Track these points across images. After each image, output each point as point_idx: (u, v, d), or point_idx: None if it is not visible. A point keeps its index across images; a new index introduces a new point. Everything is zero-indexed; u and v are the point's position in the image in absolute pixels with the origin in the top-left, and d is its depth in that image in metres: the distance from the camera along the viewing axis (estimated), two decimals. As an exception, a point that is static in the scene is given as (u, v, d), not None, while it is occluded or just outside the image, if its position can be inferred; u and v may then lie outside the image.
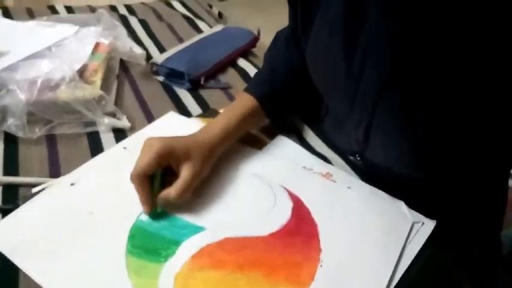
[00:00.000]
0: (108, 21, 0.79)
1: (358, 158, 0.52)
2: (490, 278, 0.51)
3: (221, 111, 0.59)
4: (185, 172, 0.47)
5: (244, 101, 0.57)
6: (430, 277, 0.45)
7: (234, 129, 0.54)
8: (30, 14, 0.99)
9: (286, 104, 0.61)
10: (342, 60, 0.45)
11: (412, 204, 0.49)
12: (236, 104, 0.57)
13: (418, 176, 0.49)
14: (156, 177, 0.48)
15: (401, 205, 0.50)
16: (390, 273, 0.43)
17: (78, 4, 1.09)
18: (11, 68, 0.63)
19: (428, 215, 0.48)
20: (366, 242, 0.46)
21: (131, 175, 0.46)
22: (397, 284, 0.42)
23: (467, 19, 0.36)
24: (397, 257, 0.44)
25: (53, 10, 1.03)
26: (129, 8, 1.07)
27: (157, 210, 0.48)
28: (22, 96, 0.57)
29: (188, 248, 0.45)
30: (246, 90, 0.59)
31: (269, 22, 1.03)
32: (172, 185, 0.47)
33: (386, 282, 0.42)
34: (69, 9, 1.04)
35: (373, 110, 0.45)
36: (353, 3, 0.43)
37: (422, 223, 0.48)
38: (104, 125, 0.61)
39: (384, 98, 0.43)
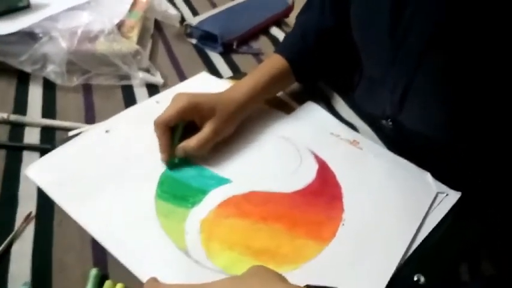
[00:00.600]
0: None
1: (390, 123, 0.52)
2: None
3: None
4: (207, 127, 0.49)
5: (274, 62, 0.57)
6: (450, 247, 0.45)
7: (262, 89, 0.54)
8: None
9: (317, 68, 0.61)
10: (388, 19, 0.45)
11: (437, 174, 0.49)
12: (265, 65, 0.58)
13: (448, 141, 0.48)
14: (177, 129, 0.50)
15: (427, 175, 0.50)
16: (410, 239, 0.43)
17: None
18: (52, 18, 0.65)
19: (453, 185, 0.48)
20: (388, 207, 0.47)
21: (154, 123, 0.48)
22: (415, 249, 0.43)
23: None
24: (418, 225, 0.45)
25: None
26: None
27: (174, 161, 0.49)
28: (64, 45, 0.58)
29: (215, 197, 0.46)
30: (276, 51, 0.59)
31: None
32: (192, 137, 0.49)
33: (405, 247, 0.42)
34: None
35: (414, 71, 0.45)
36: None
37: (447, 194, 0.48)
38: (139, 79, 0.63)
39: (426, 60, 0.43)
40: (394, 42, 0.46)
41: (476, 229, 0.46)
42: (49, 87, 0.61)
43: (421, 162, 0.51)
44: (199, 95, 0.50)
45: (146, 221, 0.43)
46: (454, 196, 0.48)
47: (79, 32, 0.61)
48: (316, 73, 0.62)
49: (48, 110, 0.58)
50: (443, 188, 0.49)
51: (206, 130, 0.49)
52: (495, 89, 0.40)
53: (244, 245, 0.42)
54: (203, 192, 0.47)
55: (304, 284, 0.32)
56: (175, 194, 0.46)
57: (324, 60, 0.60)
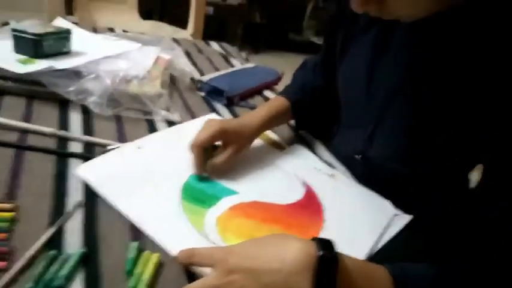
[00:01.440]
0: (167, 43, 0.99)
1: (360, 157, 0.69)
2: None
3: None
4: (231, 148, 0.64)
5: (280, 101, 0.76)
6: (401, 254, 0.59)
7: (270, 120, 0.71)
8: (94, 31, 1.19)
9: (309, 113, 0.78)
10: (363, 82, 0.64)
11: (395, 202, 0.65)
12: (273, 102, 0.76)
13: (405, 172, 0.64)
14: (208, 149, 0.64)
15: (387, 202, 0.65)
16: (370, 246, 0.56)
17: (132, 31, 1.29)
18: (94, 62, 0.81)
19: (407, 210, 0.64)
20: (356, 221, 0.61)
21: (191, 145, 0.62)
22: (376, 252, 0.56)
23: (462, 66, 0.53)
24: (378, 235, 0.58)
25: (112, 31, 1.23)
26: (175, 40, 1.27)
27: (203, 175, 0.63)
28: (108, 82, 0.73)
29: (227, 202, 0.59)
30: (281, 94, 0.78)
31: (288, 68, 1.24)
32: (218, 156, 0.63)
33: (368, 249, 0.56)
34: (125, 32, 1.24)
35: (380, 115, 0.62)
36: (375, 49, 0.62)
37: (401, 216, 0.63)
38: (161, 115, 0.78)
39: (389, 107, 0.61)
40: (367, 96, 0.64)
41: (423, 245, 0.60)
42: (86, 114, 0.74)
43: (383, 192, 0.67)
44: (226, 122, 0.66)
45: (174, 212, 0.55)
46: (406, 218, 0.63)
47: (120, 74, 0.76)
48: (308, 115, 0.80)
49: (87, 130, 0.70)
50: (399, 212, 0.64)
51: (230, 150, 0.63)
52: (444, 127, 0.56)
53: (251, 236, 0.54)
54: (217, 198, 0.60)
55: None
56: (196, 197, 0.59)
57: (316, 108, 0.78)
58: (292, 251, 0.41)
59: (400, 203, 0.64)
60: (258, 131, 0.69)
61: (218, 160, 0.63)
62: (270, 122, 0.72)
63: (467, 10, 0.50)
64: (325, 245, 0.41)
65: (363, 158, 0.68)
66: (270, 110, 0.72)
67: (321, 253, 0.39)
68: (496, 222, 0.48)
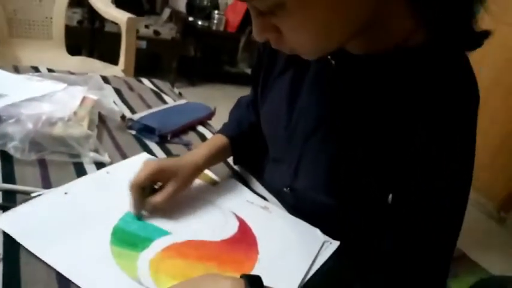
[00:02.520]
0: (95, 82, 0.97)
1: (288, 189, 0.72)
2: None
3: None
4: (169, 186, 0.64)
5: (219, 139, 0.78)
6: (332, 280, 0.62)
7: (211, 158, 0.73)
8: (16, 70, 1.14)
9: (247, 147, 0.82)
10: (284, 120, 0.68)
11: (323, 229, 0.68)
12: (212, 140, 0.78)
13: (329, 203, 0.68)
14: (146, 188, 0.64)
15: (317, 230, 0.69)
16: (304, 273, 0.59)
17: (59, 69, 1.25)
18: (15, 105, 0.77)
19: (335, 237, 0.67)
20: (289, 251, 0.63)
21: (130, 185, 0.62)
22: (308, 279, 0.59)
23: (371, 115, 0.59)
24: (310, 263, 0.61)
25: (36, 70, 1.19)
26: (104, 78, 1.25)
27: (142, 213, 0.63)
28: (30, 126, 0.70)
29: (159, 243, 0.59)
30: (219, 132, 0.81)
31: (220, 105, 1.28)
32: (157, 194, 0.63)
33: (300, 278, 0.58)
34: (51, 71, 1.20)
35: (301, 150, 0.66)
36: (292, 89, 0.67)
37: (330, 242, 0.67)
38: (89, 157, 0.76)
39: (309, 142, 0.65)
40: (287, 132, 0.68)
41: (351, 268, 0.64)
42: (6, 160, 0.70)
43: (312, 221, 0.70)
44: (164, 161, 0.66)
45: (104, 259, 0.53)
46: (335, 244, 0.67)
47: (43, 117, 0.73)
48: (246, 150, 0.83)
49: (8, 177, 0.66)
50: (328, 238, 0.68)
51: (169, 188, 0.64)
52: (360, 158, 0.61)
53: (185, 276, 0.54)
54: (149, 240, 0.59)
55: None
56: (127, 241, 0.58)
57: (251, 143, 0.81)
58: None
59: (328, 231, 0.68)
60: (198, 169, 0.70)
61: (156, 198, 0.63)
62: (211, 160, 0.73)
63: (369, 57, 0.55)
64: (254, 282, 0.42)
65: (291, 190, 0.72)
66: (209, 148, 0.74)
67: (248, 289, 0.41)
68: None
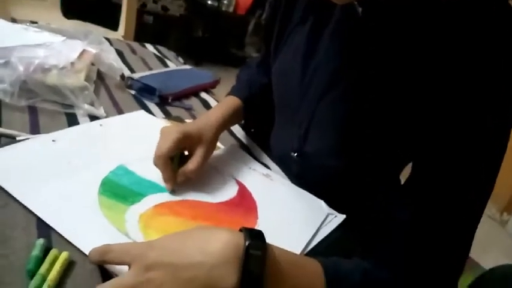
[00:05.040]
0: (96, 38, 0.92)
1: (295, 154, 0.67)
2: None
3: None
4: (198, 152, 0.59)
5: (232, 100, 0.73)
6: (336, 251, 0.57)
7: (228, 119, 0.68)
8: (14, 21, 1.08)
9: (259, 109, 0.78)
10: (298, 76, 0.63)
11: (328, 200, 0.64)
12: (226, 101, 0.73)
13: (339, 169, 0.63)
14: (175, 159, 0.58)
15: (321, 202, 0.64)
16: (304, 244, 0.54)
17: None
18: (7, 49, 0.72)
19: (339, 208, 0.63)
20: (290, 221, 0.59)
21: (155, 158, 0.56)
22: (308, 251, 0.54)
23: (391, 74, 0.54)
24: (311, 235, 0.57)
25: (34, 23, 1.13)
26: (107, 39, 1.20)
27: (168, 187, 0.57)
28: (21, 69, 0.65)
29: (152, 199, 0.54)
30: (230, 93, 0.76)
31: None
32: (189, 162, 0.58)
33: (301, 248, 0.54)
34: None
35: (315, 109, 0.61)
36: (310, 41, 0.62)
37: (335, 216, 0.62)
38: (83, 109, 0.71)
39: (323, 99, 0.60)
40: (301, 91, 0.63)
41: (355, 239, 0.60)
42: (-6, 105, 0.65)
43: (316, 192, 0.65)
44: (185, 126, 0.61)
45: (90, 209, 0.49)
46: (340, 217, 0.62)
47: (36, 62, 0.68)
48: (257, 114, 0.78)
49: (-7, 122, 0.62)
50: (332, 211, 0.63)
51: (199, 154, 0.58)
52: (376, 120, 0.56)
53: (176, 234, 0.49)
54: (141, 195, 0.54)
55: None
56: (117, 193, 0.53)
57: (263, 107, 0.77)
58: (216, 243, 0.37)
59: (334, 203, 0.64)
60: (220, 128, 0.66)
61: (189, 167, 0.57)
62: (227, 122, 0.69)
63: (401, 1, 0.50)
64: (254, 235, 0.38)
65: (299, 155, 0.67)
66: (226, 110, 0.69)
67: (247, 242, 0.36)
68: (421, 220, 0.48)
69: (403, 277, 0.47)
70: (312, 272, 0.41)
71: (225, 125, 0.68)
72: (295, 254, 0.44)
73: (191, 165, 0.57)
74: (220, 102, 0.74)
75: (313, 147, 0.64)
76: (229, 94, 0.77)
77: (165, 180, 0.56)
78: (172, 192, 0.56)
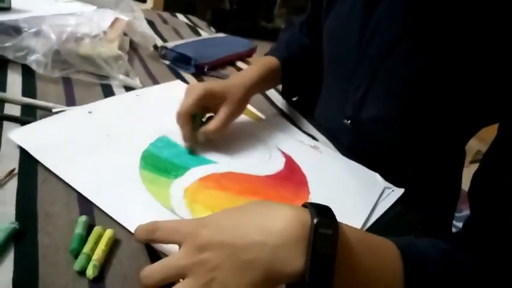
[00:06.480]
0: (127, 5, 0.87)
1: (349, 122, 0.61)
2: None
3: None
4: (222, 111, 0.54)
5: (268, 60, 0.67)
6: (396, 228, 0.52)
7: (262, 80, 0.62)
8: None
9: (298, 72, 0.71)
10: (357, 30, 0.56)
11: (383, 175, 0.58)
12: (261, 61, 0.67)
13: (395, 140, 0.57)
14: (196, 117, 0.54)
15: (376, 175, 0.59)
16: (363, 222, 0.50)
17: None
18: (39, 18, 0.69)
19: (396, 184, 0.57)
20: (345, 196, 0.54)
21: (177, 113, 0.52)
22: (367, 229, 0.49)
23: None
24: (369, 211, 0.51)
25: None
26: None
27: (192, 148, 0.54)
28: (53, 37, 0.62)
29: (196, 172, 0.50)
30: (268, 54, 0.69)
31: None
32: (210, 122, 0.54)
33: (360, 225, 0.49)
34: None
35: (375, 73, 0.55)
36: None
37: (393, 190, 0.57)
38: (118, 80, 0.67)
39: (385, 63, 0.53)
40: (360, 49, 0.56)
41: (414, 216, 0.54)
42: (28, 75, 0.63)
43: (369, 165, 0.60)
44: (211, 84, 0.56)
45: (132, 183, 0.45)
46: (398, 191, 0.56)
47: (68, 29, 0.65)
48: (296, 78, 0.72)
49: (28, 93, 0.59)
50: (389, 185, 0.57)
51: (222, 114, 0.54)
52: (449, 84, 0.50)
53: (224, 209, 0.45)
54: (184, 168, 0.50)
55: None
56: (159, 167, 0.49)
57: (303, 71, 0.70)
58: (279, 220, 0.33)
59: (389, 177, 0.58)
60: (252, 88, 0.60)
61: (209, 126, 0.53)
62: (260, 83, 0.63)
63: None
64: (322, 212, 0.33)
65: (353, 122, 0.61)
66: (258, 70, 0.63)
67: (316, 220, 0.31)
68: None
69: (486, 259, 0.41)
70: (387, 255, 0.36)
71: (259, 85, 0.62)
72: (366, 233, 0.39)
73: (212, 125, 0.54)
74: (256, 62, 0.68)
75: (371, 113, 0.58)
76: (268, 54, 0.71)
77: (184, 138, 0.53)
78: (193, 151, 0.53)
